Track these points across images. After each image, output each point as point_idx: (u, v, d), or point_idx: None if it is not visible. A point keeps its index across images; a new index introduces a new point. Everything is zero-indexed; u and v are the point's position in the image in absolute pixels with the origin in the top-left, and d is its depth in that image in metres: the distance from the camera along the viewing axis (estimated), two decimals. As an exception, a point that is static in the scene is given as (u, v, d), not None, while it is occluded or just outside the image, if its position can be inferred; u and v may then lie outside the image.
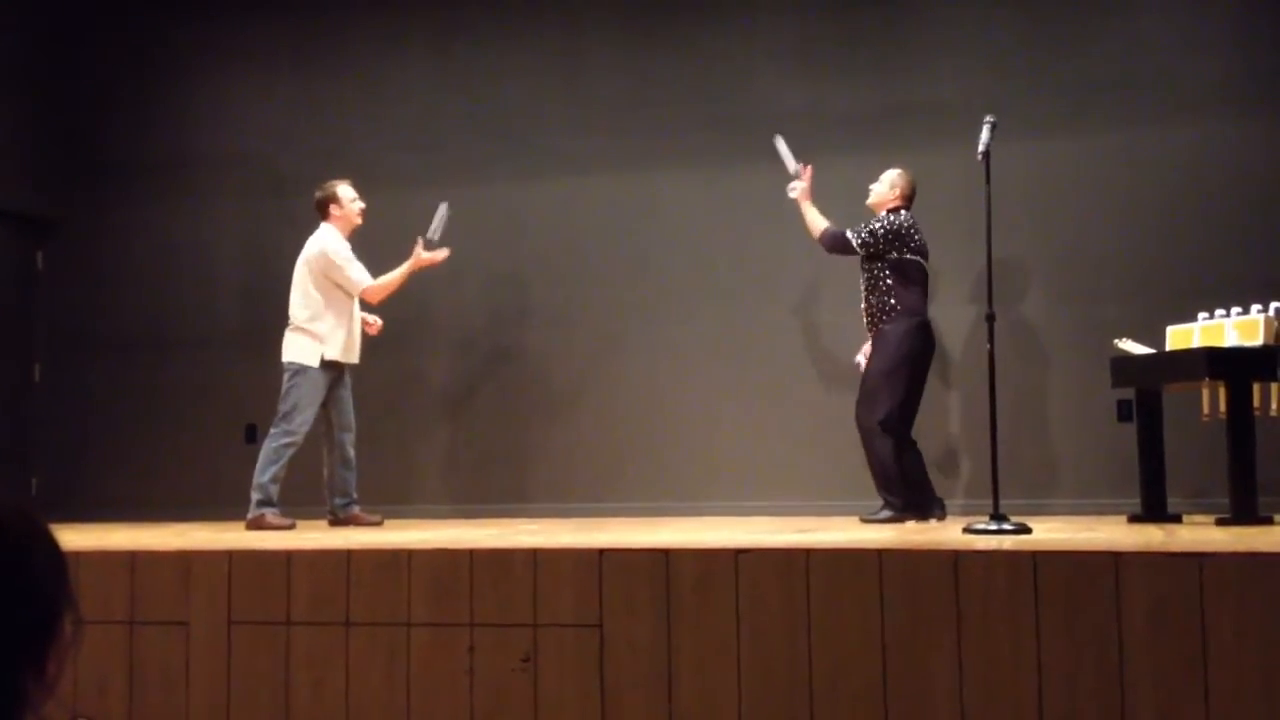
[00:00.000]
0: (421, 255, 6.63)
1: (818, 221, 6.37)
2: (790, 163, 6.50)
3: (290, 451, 6.39)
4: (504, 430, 7.92)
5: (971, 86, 7.19)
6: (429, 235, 6.72)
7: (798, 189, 6.45)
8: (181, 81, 8.75)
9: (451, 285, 7.81)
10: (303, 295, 6.52)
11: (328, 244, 6.52)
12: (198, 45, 8.73)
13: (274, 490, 6.34)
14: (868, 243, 6.16)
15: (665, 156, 7.76)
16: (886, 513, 6.04)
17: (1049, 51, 7.22)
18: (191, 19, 8.75)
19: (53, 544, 1.42)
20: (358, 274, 6.53)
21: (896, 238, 6.15)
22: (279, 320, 6.65)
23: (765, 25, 7.73)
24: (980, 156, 5.25)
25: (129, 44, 8.86)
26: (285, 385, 6.45)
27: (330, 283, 6.50)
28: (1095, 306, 6.95)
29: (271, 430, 6.44)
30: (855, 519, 6.15)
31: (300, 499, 6.63)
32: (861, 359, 6.41)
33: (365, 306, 6.72)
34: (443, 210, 6.81)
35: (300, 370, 6.44)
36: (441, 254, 6.69)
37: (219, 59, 8.69)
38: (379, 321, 6.76)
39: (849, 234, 6.20)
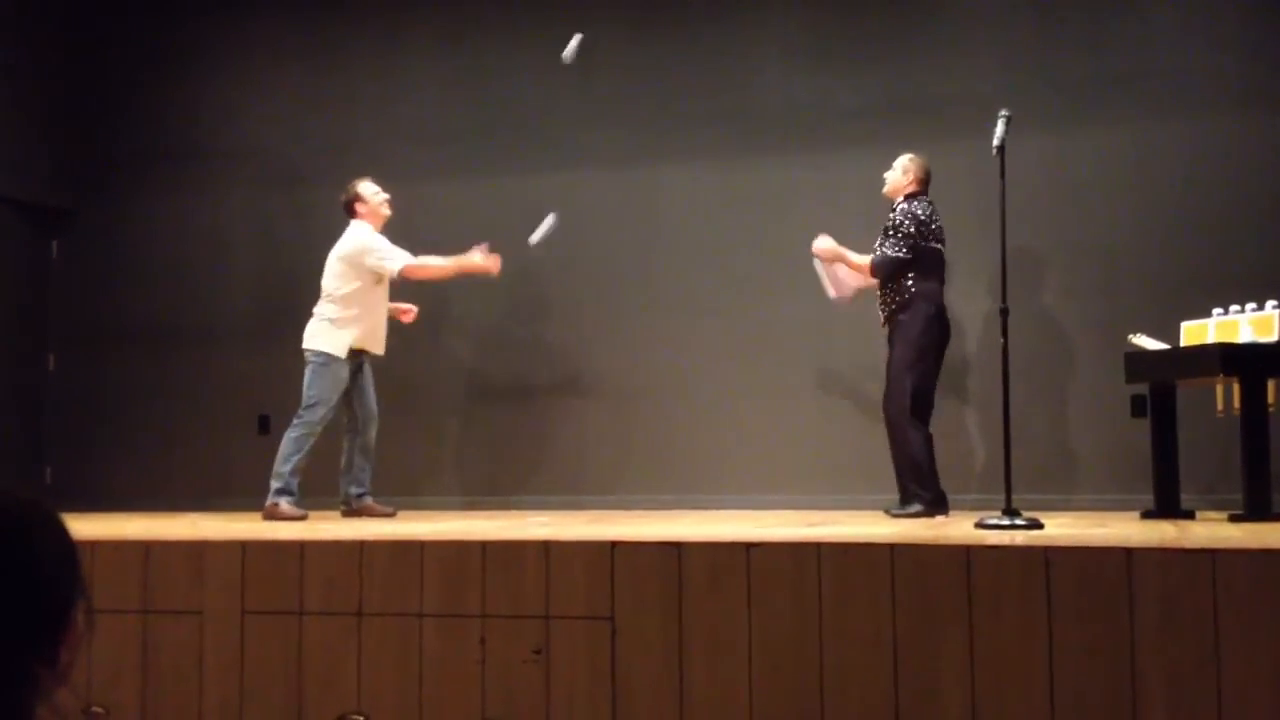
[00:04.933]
0: (476, 259, 6.56)
1: (859, 262, 6.30)
2: (830, 288, 6.53)
3: (311, 442, 6.40)
4: (516, 423, 7.93)
5: (983, 81, 7.16)
6: (531, 240, 6.68)
7: (821, 256, 6.48)
8: (194, 74, 8.77)
9: (463, 278, 7.81)
10: (334, 287, 6.49)
11: (364, 239, 6.49)
12: (210, 38, 8.75)
13: (294, 481, 6.36)
14: (910, 246, 6.05)
15: (675, 150, 7.75)
16: (917, 506, 5.89)
17: (1062, 46, 7.19)
18: (204, 11, 8.77)
19: (64, 534, 1.42)
20: (396, 257, 6.47)
21: (922, 227, 6.09)
22: (292, 311, 6.66)
23: (775, 19, 7.71)
24: (995, 151, 5.22)
25: (143, 37, 8.88)
26: (309, 375, 6.45)
27: (368, 276, 6.46)
28: (1109, 301, 6.92)
29: (294, 420, 6.44)
30: (867, 513, 6.12)
31: (312, 489, 6.64)
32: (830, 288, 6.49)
33: (398, 293, 6.68)
34: (550, 221, 6.75)
35: (325, 361, 6.43)
36: (494, 263, 6.61)
37: (231, 51, 8.71)
38: (414, 309, 6.76)
39: (891, 253, 6.07)
